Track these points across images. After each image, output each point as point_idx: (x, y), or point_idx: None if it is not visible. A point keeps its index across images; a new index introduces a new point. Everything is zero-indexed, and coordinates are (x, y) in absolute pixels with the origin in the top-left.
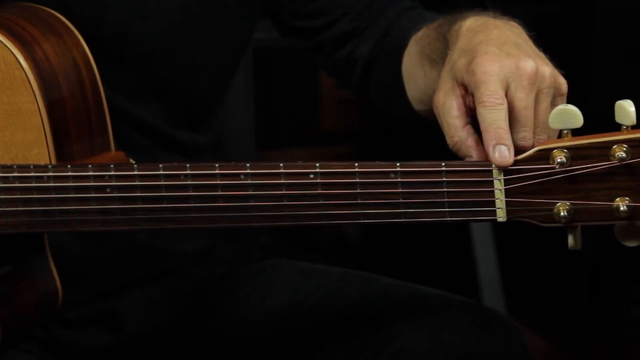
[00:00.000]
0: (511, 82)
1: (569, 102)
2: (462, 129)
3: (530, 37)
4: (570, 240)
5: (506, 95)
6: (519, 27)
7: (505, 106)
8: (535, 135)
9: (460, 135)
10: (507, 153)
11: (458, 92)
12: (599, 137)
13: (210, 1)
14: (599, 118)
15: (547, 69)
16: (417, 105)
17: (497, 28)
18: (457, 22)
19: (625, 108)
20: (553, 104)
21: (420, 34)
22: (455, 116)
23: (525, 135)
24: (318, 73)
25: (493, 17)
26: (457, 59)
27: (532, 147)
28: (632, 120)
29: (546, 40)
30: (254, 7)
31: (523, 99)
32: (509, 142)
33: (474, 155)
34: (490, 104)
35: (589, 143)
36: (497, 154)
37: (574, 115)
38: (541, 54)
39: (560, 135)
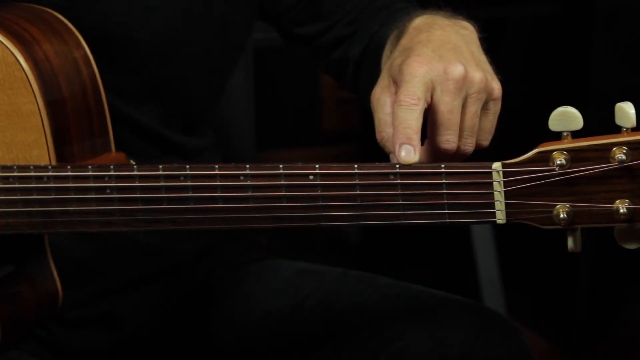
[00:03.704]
0: (437, 85)
1: (568, 103)
2: (391, 125)
3: (481, 39)
4: (570, 242)
5: (432, 98)
6: (470, 28)
7: (419, 107)
8: (462, 139)
9: (388, 132)
10: (412, 153)
11: (393, 89)
12: (598, 139)
13: (210, 6)
14: (599, 120)
15: (478, 74)
16: None
17: (442, 29)
18: (410, 20)
19: (625, 110)
20: (485, 109)
21: (395, 32)
22: (387, 113)
23: (449, 138)
24: (318, 73)
25: (443, 16)
26: (396, 56)
27: (458, 150)
28: (632, 122)
29: (546, 40)
30: (252, 13)
31: (448, 103)
32: (416, 142)
33: None
34: (405, 103)
35: (588, 145)
36: (403, 153)
37: (573, 117)
38: (481, 58)
39: (560, 137)
